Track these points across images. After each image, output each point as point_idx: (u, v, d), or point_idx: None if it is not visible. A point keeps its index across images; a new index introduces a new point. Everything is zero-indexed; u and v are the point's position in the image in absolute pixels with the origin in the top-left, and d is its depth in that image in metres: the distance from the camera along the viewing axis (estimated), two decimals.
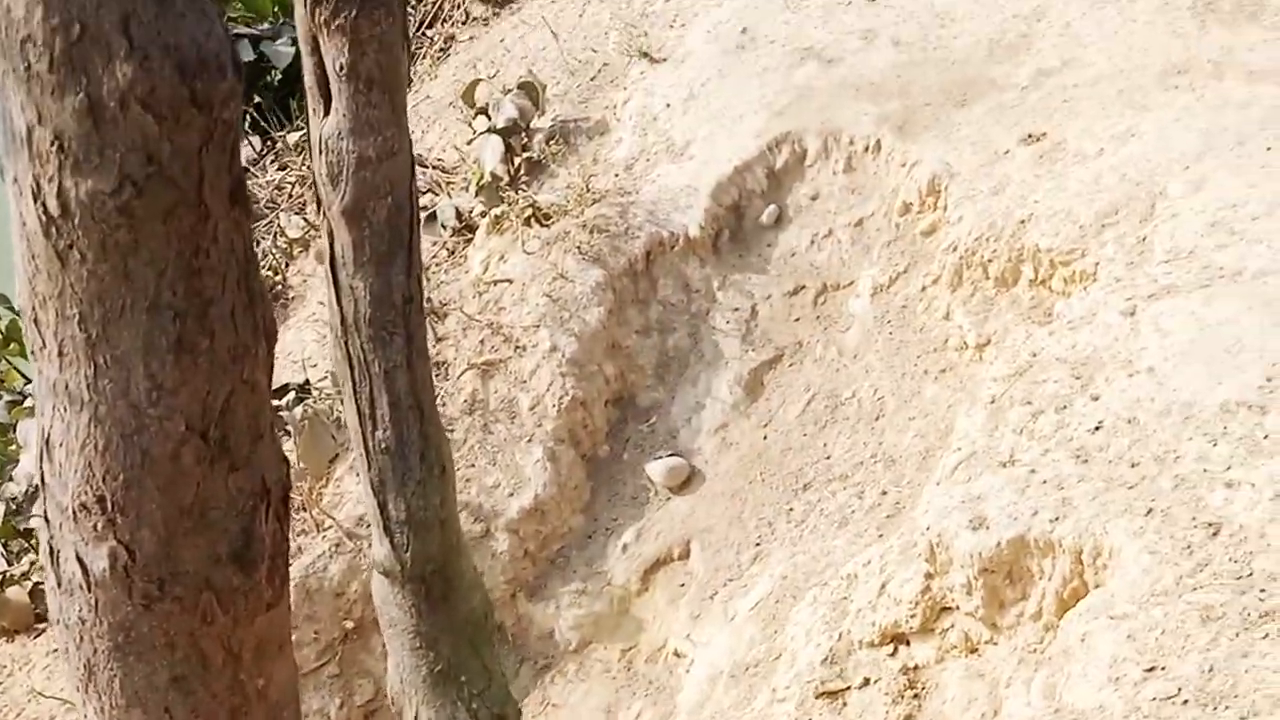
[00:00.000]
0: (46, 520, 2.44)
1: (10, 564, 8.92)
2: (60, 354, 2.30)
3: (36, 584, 8.70)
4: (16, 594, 8.65)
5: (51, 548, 2.45)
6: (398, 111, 3.66)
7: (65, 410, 2.33)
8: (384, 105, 3.59)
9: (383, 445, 3.73)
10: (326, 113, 3.66)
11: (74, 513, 2.37)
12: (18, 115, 2.18)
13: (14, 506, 9.00)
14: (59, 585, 2.46)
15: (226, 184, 2.30)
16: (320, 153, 3.66)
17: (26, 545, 9.07)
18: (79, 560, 2.40)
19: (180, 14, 2.15)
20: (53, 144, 2.16)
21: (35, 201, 2.20)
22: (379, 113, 3.59)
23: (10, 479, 9.03)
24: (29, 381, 9.93)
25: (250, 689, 2.58)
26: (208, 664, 2.50)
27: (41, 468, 2.41)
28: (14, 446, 9.14)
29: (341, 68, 3.56)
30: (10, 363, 10.33)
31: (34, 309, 2.30)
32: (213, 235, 2.29)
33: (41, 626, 8.53)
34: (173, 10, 2.15)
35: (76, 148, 2.16)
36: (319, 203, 3.73)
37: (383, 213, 3.60)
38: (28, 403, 9.14)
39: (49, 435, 2.37)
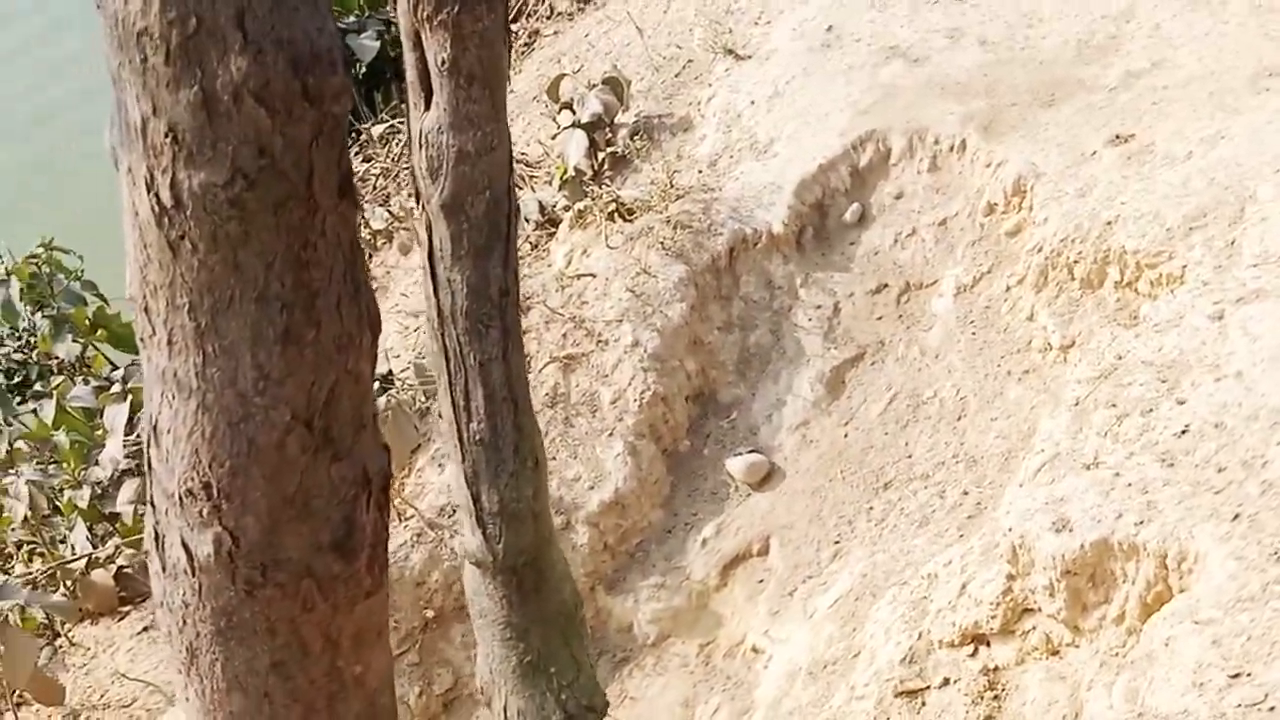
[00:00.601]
0: (152, 505, 2.48)
1: (95, 547, 9.02)
2: (170, 342, 2.33)
3: (121, 568, 8.80)
4: (102, 577, 8.74)
5: (156, 532, 2.48)
6: (498, 107, 3.69)
7: (173, 398, 2.36)
8: (484, 101, 3.62)
9: (477, 437, 3.75)
10: (427, 107, 3.69)
11: (180, 498, 2.40)
12: (133, 107, 2.20)
13: (99, 490, 9.10)
14: (163, 569, 2.49)
15: (335, 178, 2.32)
16: (420, 147, 3.69)
17: (111, 529, 9.17)
18: (184, 545, 2.43)
19: (294, 8, 2.18)
20: (167, 136, 2.19)
21: (148, 192, 2.23)
22: (479, 108, 3.62)
23: (96, 463, 9.12)
24: (115, 368, 10.05)
25: (348, 676, 2.60)
26: (307, 650, 2.53)
27: (149, 454, 2.44)
28: (100, 431, 9.24)
29: (443, 63, 3.58)
30: (98, 349, 10.44)
31: (145, 297, 2.33)
32: (320, 228, 2.31)
33: (126, 610, 8.63)
34: (287, 5, 2.17)
35: (190, 140, 2.19)
36: (418, 196, 3.76)
37: (481, 207, 3.63)
38: (114, 388, 9.24)
39: (156, 422, 2.40)
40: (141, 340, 2.40)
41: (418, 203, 3.76)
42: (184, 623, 2.50)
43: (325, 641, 2.54)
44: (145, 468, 2.49)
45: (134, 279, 2.35)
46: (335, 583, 2.49)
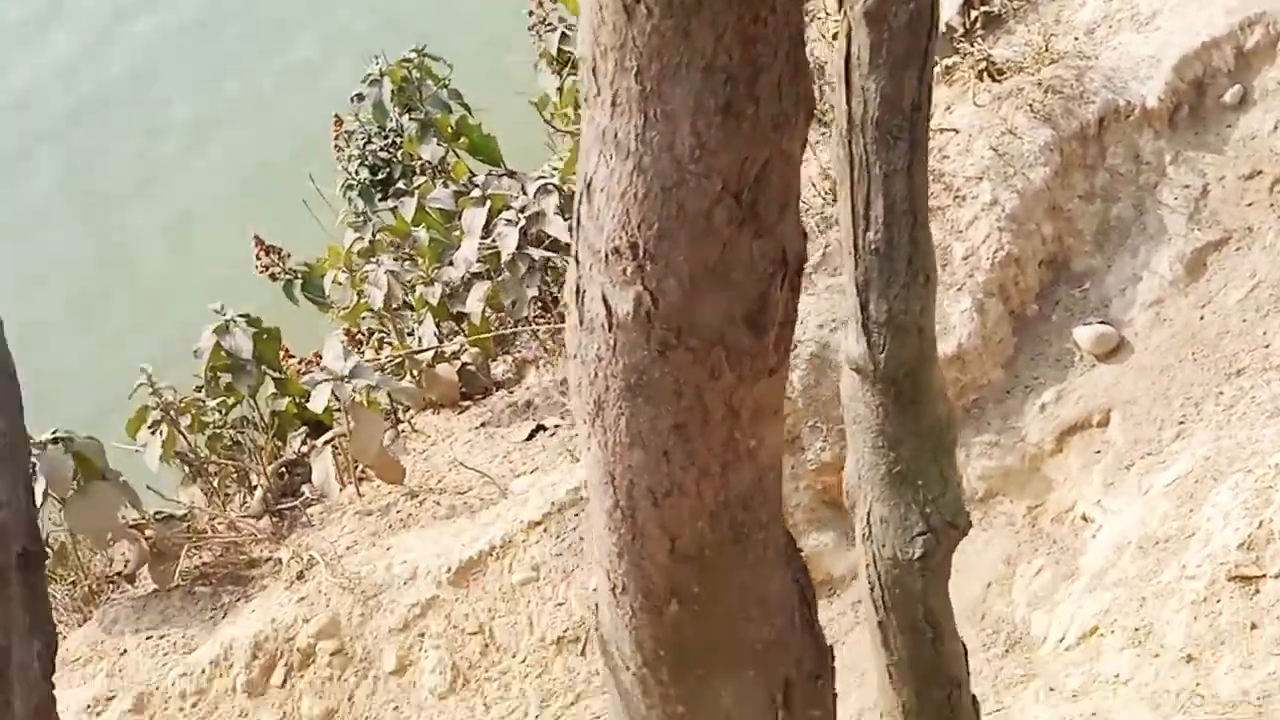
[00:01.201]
0: (576, 260, 2.55)
1: (441, 343, 9.36)
2: (613, 103, 2.39)
3: (465, 364, 9.11)
4: (446, 371, 9.08)
5: (578, 287, 2.56)
6: None
7: (610, 157, 2.42)
8: None
9: (872, 246, 3.76)
10: None
11: (606, 256, 2.47)
12: None
13: (450, 290, 9.41)
14: (581, 323, 2.57)
15: None
16: None
17: (457, 328, 9.49)
18: (604, 301, 2.50)
19: None
20: None
21: None
22: None
23: (450, 264, 9.42)
24: (474, 175, 10.34)
25: (743, 447, 2.66)
26: (708, 417, 2.59)
27: (578, 210, 2.52)
28: (457, 233, 9.53)
29: None
30: (459, 155, 10.75)
31: (594, 58, 2.39)
32: (772, 3, 2.34)
33: (466, 405, 8.94)
34: None
35: None
36: (840, 2, 3.77)
37: (904, 17, 3.61)
38: (473, 193, 9.50)
39: (591, 180, 2.46)
40: (585, 100, 2.46)
41: (840, 8, 3.77)
42: (595, 376, 2.59)
43: (726, 410, 2.60)
44: (573, 224, 2.58)
45: (585, 39, 2.41)
46: (743, 355, 2.55)
